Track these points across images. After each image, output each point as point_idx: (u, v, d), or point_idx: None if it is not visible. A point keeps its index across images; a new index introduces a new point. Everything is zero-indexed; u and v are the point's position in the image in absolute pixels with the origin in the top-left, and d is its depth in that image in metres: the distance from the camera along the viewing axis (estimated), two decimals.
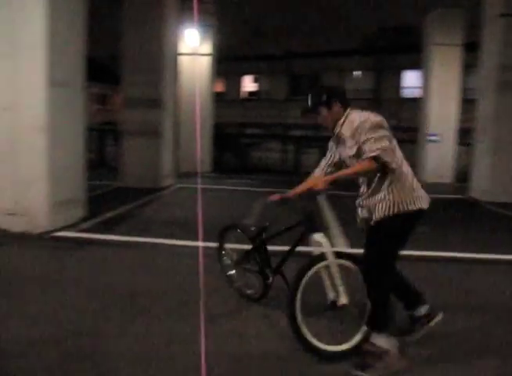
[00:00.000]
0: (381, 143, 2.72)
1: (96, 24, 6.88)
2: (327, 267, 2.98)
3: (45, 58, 5.86)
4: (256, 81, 30.78)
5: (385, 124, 2.83)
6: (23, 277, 4.39)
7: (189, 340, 3.10)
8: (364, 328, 2.97)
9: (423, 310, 3.07)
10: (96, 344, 3.08)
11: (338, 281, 2.95)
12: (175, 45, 12.17)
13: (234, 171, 15.38)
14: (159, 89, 10.69)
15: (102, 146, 16.38)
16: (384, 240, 2.86)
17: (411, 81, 25.74)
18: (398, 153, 2.87)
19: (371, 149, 2.71)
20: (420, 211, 2.84)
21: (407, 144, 17.13)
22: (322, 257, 2.99)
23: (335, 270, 2.95)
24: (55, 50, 6.00)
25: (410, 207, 2.80)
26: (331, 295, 2.96)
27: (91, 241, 5.80)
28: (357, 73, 28.17)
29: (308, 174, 3.49)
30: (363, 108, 2.99)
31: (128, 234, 6.10)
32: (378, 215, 2.84)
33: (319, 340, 2.93)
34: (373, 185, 2.88)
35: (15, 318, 3.43)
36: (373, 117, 2.83)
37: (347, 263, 3.05)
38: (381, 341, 2.84)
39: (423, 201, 2.86)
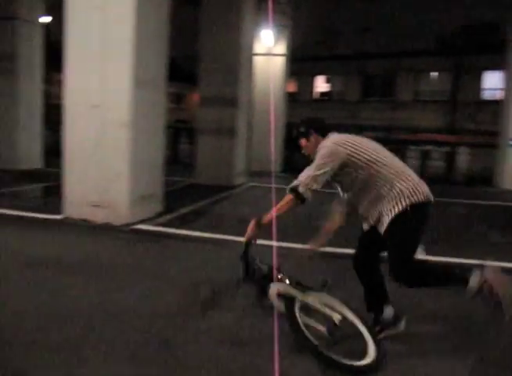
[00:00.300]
0: (314, 171, 2.89)
1: (171, 25, 7.13)
2: (304, 305, 2.94)
3: (131, 59, 6.17)
4: (328, 81, 30.52)
5: (340, 149, 2.89)
6: (105, 265, 4.67)
7: (256, 325, 3.19)
8: (372, 338, 2.84)
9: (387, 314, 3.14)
10: (173, 327, 3.25)
11: (320, 306, 2.92)
12: (251, 45, 12.34)
13: None
14: (235, 89, 10.89)
15: (176, 143, 16.92)
16: (403, 237, 2.88)
17: (492, 82, 24.52)
18: (376, 154, 2.93)
19: (300, 177, 2.94)
20: (427, 203, 2.88)
21: (485, 149, 16.45)
22: (292, 300, 2.93)
23: (310, 301, 2.94)
24: (141, 52, 6.30)
25: (414, 199, 2.83)
26: (323, 327, 2.85)
27: (167, 235, 6.02)
28: (434, 74, 27.23)
29: None
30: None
31: (201, 230, 6.25)
32: (390, 216, 2.86)
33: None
34: (367, 199, 2.97)
35: (100, 301, 3.66)
36: (330, 143, 2.94)
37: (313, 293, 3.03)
38: (476, 280, 2.76)
39: (426, 193, 2.89)
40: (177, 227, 6.37)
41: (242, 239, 3.05)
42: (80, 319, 3.33)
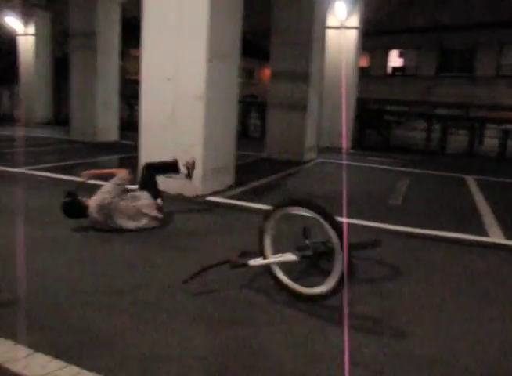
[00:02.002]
0: None
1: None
2: None
3: (206, 32, 6.15)
4: (401, 55, 29.35)
5: None
6: (180, 234, 4.83)
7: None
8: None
9: None
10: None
11: None
12: (324, 18, 12.03)
13: (375, 149, 14.98)
14: (306, 63, 10.68)
15: (246, 117, 16.99)
16: None
17: None
18: None
19: None
20: None
21: None
22: None
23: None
24: (216, 24, 6.28)
25: None
26: None
27: (238, 208, 6.06)
28: None
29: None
30: None
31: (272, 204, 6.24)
32: None
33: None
34: None
35: (165, 268, 3.76)
36: None
37: None
38: None
39: None
40: (248, 200, 6.40)
41: None
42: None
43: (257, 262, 3.35)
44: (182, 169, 5.65)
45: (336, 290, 2.99)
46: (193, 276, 3.34)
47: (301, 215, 3.32)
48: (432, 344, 2.80)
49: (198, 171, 6.37)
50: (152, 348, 2.56)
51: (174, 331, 2.77)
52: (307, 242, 3.59)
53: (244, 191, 7.06)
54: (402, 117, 18.05)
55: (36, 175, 7.36)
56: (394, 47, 28.86)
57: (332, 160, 11.28)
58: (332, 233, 2.97)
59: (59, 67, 17.52)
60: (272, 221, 3.39)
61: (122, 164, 9.67)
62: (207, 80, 6.24)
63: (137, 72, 6.98)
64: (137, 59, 7.65)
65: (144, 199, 4.92)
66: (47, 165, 8.25)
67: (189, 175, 5.69)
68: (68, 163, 8.84)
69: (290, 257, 3.27)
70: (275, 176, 8.66)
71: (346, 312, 2.83)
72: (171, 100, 6.42)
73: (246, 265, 3.32)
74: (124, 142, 12.75)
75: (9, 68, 18.67)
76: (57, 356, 2.43)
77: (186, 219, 5.43)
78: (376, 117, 17.44)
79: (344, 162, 11.06)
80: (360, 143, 15.58)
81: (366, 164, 11.14)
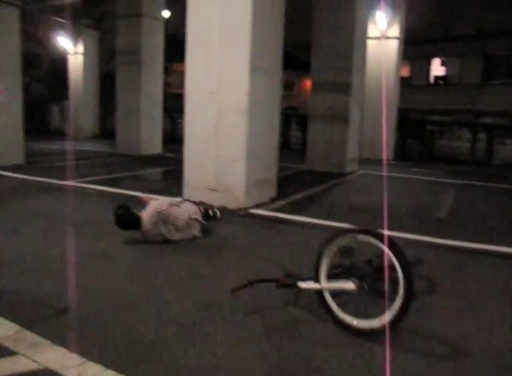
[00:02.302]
0: None
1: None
2: None
3: (248, 46, 6.24)
4: (443, 64, 28.77)
5: None
6: (224, 246, 4.91)
7: None
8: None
9: None
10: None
11: None
12: (365, 28, 12.00)
13: (417, 160, 14.72)
14: (347, 74, 10.67)
15: (286, 129, 17.05)
16: None
17: None
18: None
19: None
20: None
21: None
22: None
23: None
24: (258, 39, 6.36)
25: None
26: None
27: (281, 220, 6.07)
28: None
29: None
30: None
31: (316, 217, 6.22)
32: None
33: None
34: None
35: (212, 280, 3.80)
36: None
37: None
38: None
39: None
40: (290, 213, 6.42)
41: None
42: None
43: (309, 284, 3.20)
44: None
45: (398, 320, 2.84)
46: (241, 287, 3.34)
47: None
48: (489, 364, 2.72)
49: (241, 185, 6.46)
50: (199, 361, 2.60)
51: (222, 344, 2.81)
52: (360, 263, 3.28)
53: (287, 204, 7.08)
54: (445, 126, 17.64)
55: (85, 188, 7.62)
56: (436, 55, 28.32)
57: (374, 172, 11.17)
58: (397, 266, 2.80)
59: (106, 83, 18.17)
60: (334, 246, 3.12)
61: (166, 177, 9.92)
62: (249, 94, 6.31)
63: (179, 86, 7.14)
64: (179, 74, 7.84)
65: (189, 205, 5.16)
66: (95, 178, 8.53)
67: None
68: (115, 176, 9.11)
69: (347, 285, 2.98)
70: (317, 188, 8.65)
71: (388, 330, 2.79)
72: (214, 114, 6.52)
73: (295, 286, 3.25)
74: (168, 154, 13.04)
75: (60, 85, 19.54)
76: (107, 365, 2.50)
77: (230, 232, 5.47)
78: (417, 127, 17.14)
79: (386, 174, 10.93)
80: (402, 154, 15.35)
81: (409, 176, 10.96)
